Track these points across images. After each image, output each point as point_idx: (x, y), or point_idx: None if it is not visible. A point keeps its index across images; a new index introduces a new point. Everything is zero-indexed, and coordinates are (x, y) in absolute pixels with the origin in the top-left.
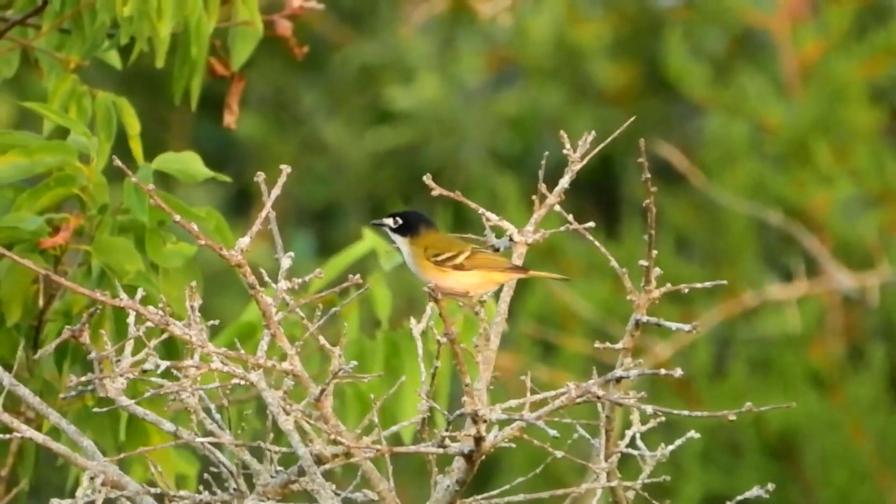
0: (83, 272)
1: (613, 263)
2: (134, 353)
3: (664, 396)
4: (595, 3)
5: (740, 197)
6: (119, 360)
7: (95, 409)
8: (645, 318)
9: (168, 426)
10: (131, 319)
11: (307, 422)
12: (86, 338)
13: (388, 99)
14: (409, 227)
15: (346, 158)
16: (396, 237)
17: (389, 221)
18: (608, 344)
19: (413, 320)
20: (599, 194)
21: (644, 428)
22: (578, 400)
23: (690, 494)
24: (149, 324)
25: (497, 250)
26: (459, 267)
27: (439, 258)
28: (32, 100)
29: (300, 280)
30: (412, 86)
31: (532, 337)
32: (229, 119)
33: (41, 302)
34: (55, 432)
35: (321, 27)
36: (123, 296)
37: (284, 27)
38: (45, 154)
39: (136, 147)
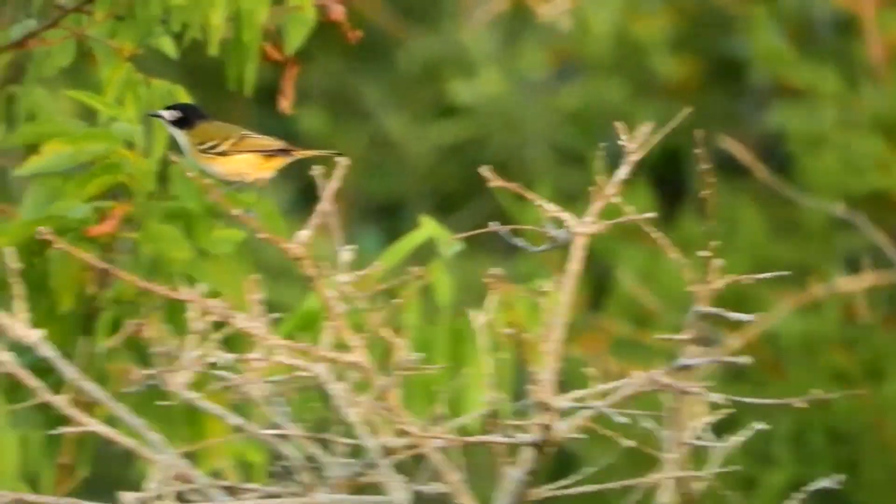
0: (132, 260)
1: (674, 255)
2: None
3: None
4: None
5: (820, 186)
6: (180, 354)
7: (159, 403)
8: (705, 309)
9: (233, 419)
10: (192, 313)
11: (375, 413)
12: (148, 331)
13: (450, 93)
14: (185, 120)
15: (410, 153)
16: (174, 130)
17: (166, 114)
18: (670, 335)
19: (474, 311)
20: (665, 189)
21: (713, 419)
22: (645, 388)
23: (775, 483)
24: (210, 316)
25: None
26: (223, 154)
27: (203, 146)
28: (92, 89)
29: (360, 272)
30: (475, 80)
31: (609, 332)
32: (284, 104)
33: (93, 290)
34: (111, 422)
35: (383, 21)
36: (186, 289)
37: (337, 12)
38: (89, 142)
39: None
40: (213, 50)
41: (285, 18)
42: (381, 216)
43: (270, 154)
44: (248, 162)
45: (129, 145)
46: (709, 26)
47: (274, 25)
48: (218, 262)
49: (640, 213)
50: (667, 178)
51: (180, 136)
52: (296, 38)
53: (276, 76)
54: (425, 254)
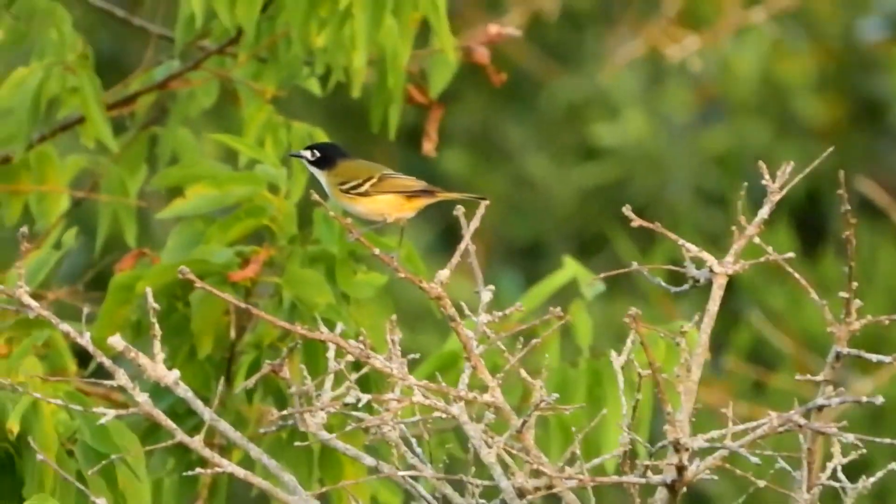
0: (274, 304)
1: (813, 295)
2: (330, 387)
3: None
4: (800, 38)
5: None
6: (318, 395)
7: (297, 444)
8: (845, 350)
9: (368, 460)
10: (330, 353)
11: (509, 454)
12: (286, 372)
13: (594, 135)
14: (325, 160)
15: (552, 194)
16: (314, 169)
17: (307, 154)
18: (808, 376)
19: (614, 353)
20: (805, 229)
21: (846, 459)
22: (780, 429)
23: None
24: (349, 357)
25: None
26: (365, 194)
27: (345, 186)
28: (232, 131)
29: (500, 313)
30: (618, 122)
31: (737, 373)
32: (428, 146)
33: (233, 334)
34: (246, 463)
35: (526, 62)
36: (323, 328)
37: (482, 54)
38: (235, 185)
39: None
40: (355, 92)
41: (429, 61)
42: (521, 258)
43: (412, 195)
44: (390, 202)
45: (272, 188)
46: (852, 67)
47: (418, 68)
48: (359, 306)
49: (780, 253)
50: (808, 218)
51: (321, 175)
52: (440, 82)
53: (419, 115)
54: (566, 294)
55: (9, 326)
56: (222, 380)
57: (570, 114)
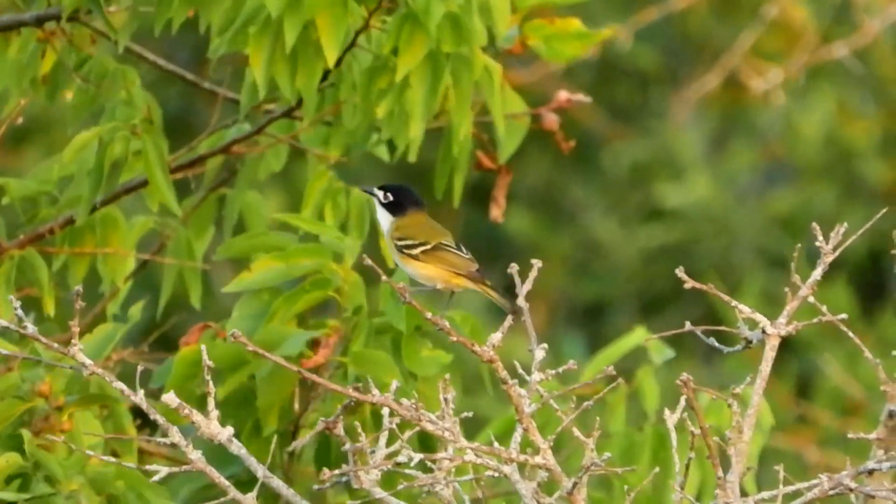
0: (339, 377)
1: (867, 354)
2: (389, 447)
3: None
4: (865, 100)
5: None
6: (373, 452)
7: (349, 503)
8: None
9: None
10: (385, 411)
11: None
12: (340, 430)
13: (658, 196)
14: (398, 205)
15: (618, 255)
16: (382, 211)
17: (380, 194)
18: (862, 434)
19: (668, 411)
20: (866, 289)
21: None
22: (831, 492)
23: None
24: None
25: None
26: (415, 258)
27: (401, 242)
28: (296, 193)
29: (553, 371)
30: (683, 183)
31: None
32: (496, 213)
33: (297, 407)
34: None
35: (590, 121)
36: (375, 392)
37: (551, 121)
38: (302, 258)
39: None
40: (412, 157)
41: (499, 127)
42: (584, 319)
43: (457, 273)
44: (438, 273)
45: (337, 257)
46: None
47: (485, 134)
48: (426, 382)
49: (839, 312)
50: (869, 277)
51: (386, 220)
52: (510, 147)
53: (485, 176)
54: (635, 359)
55: (73, 402)
56: (278, 447)
57: (635, 174)
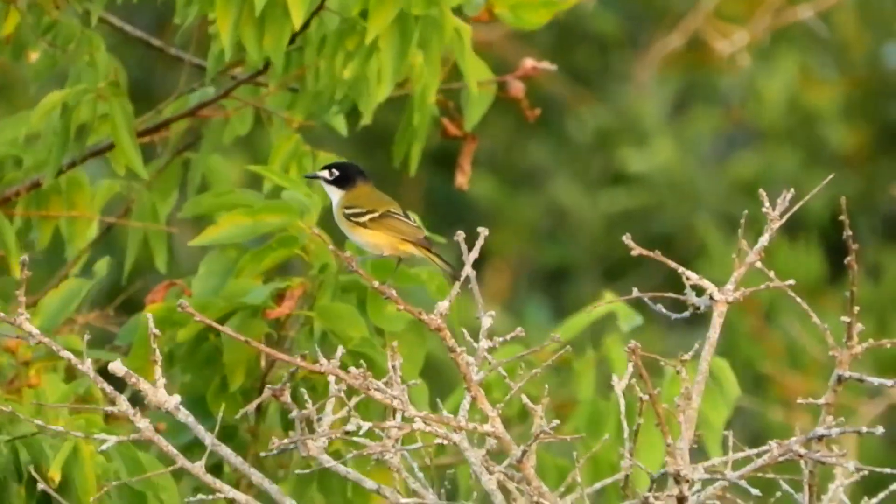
0: (305, 334)
1: (815, 319)
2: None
3: None
4: (827, 66)
5: None
6: (320, 420)
7: (297, 472)
8: (847, 374)
9: (370, 484)
10: (332, 380)
11: (510, 483)
12: (286, 397)
13: (621, 161)
14: (345, 179)
15: (581, 220)
16: (330, 188)
17: (325, 174)
18: (810, 399)
19: (615, 377)
20: (838, 251)
21: (847, 482)
22: (780, 458)
23: None
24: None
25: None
26: (363, 225)
27: (349, 211)
28: (260, 158)
29: (500, 339)
30: (646, 148)
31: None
32: (461, 180)
33: (263, 365)
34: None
35: (551, 86)
36: (323, 361)
37: (517, 88)
38: (268, 214)
39: None
40: (367, 119)
41: (465, 94)
42: (548, 284)
43: (403, 240)
44: (385, 239)
45: (304, 217)
46: (877, 94)
47: (451, 101)
48: (394, 338)
49: (809, 275)
50: (836, 241)
51: (336, 195)
52: (475, 115)
53: (447, 141)
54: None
55: (40, 358)
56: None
57: (598, 140)
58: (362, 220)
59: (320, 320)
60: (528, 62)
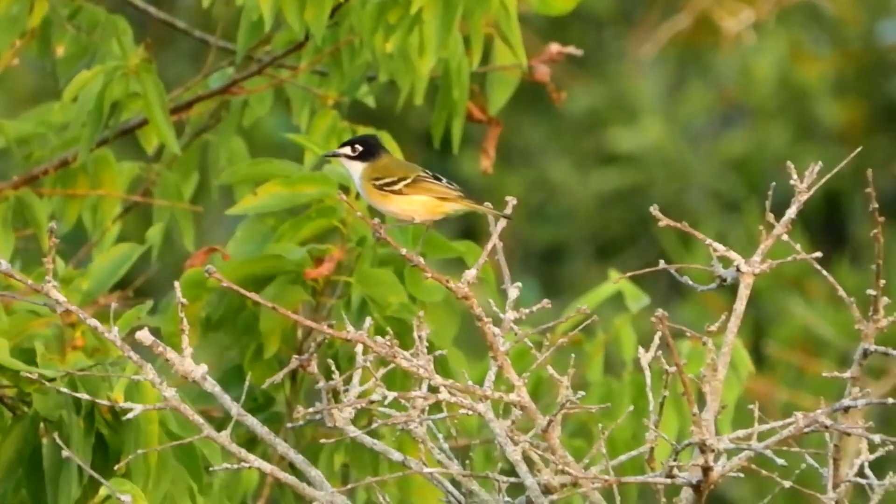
0: (343, 303)
1: (841, 293)
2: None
3: None
4: (819, 42)
5: None
6: (347, 390)
7: (322, 440)
8: (872, 348)
9: (396, 456)
10: (359, 349)
11: (535, 452)
12: (313, 367)
13: (613, 139)
14: (367, 153)
15: (572, 199)
16: (351, 163)
17: (347, 150)
18: (836, 373)
19: (642, 349)
20: (826, 232)
21: (872, 457)
22: (806, 430)
23: None
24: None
25: (443, 179)
26: (398, 192)
27: (380, 182)
28: (260, 153)
29: (527, 310)
30: (637, 127)
31: (783, 361)
32: (486, 163)
33: (300, 333)
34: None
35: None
36: (350, 328)
37: (543, 73)
38: (307, 185)
39: None
40: (418, 100)
41: (491, 77)
42: (540, 263)
43: (443, 199)
44: (423, 204)
45: (343, 189)
46: (871, 71)
47: (475, 85)
48: (427, 310)
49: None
50: (824, 222)
51: (358, 168)
52: (501, 98)
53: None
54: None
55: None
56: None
57: (590, 118)
58: (397, 187)
59: (359, 286)
60: (554, 46)
